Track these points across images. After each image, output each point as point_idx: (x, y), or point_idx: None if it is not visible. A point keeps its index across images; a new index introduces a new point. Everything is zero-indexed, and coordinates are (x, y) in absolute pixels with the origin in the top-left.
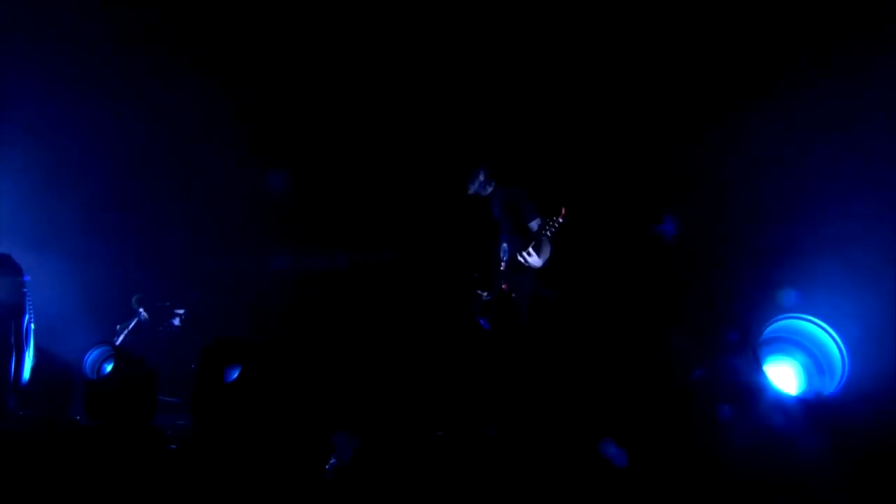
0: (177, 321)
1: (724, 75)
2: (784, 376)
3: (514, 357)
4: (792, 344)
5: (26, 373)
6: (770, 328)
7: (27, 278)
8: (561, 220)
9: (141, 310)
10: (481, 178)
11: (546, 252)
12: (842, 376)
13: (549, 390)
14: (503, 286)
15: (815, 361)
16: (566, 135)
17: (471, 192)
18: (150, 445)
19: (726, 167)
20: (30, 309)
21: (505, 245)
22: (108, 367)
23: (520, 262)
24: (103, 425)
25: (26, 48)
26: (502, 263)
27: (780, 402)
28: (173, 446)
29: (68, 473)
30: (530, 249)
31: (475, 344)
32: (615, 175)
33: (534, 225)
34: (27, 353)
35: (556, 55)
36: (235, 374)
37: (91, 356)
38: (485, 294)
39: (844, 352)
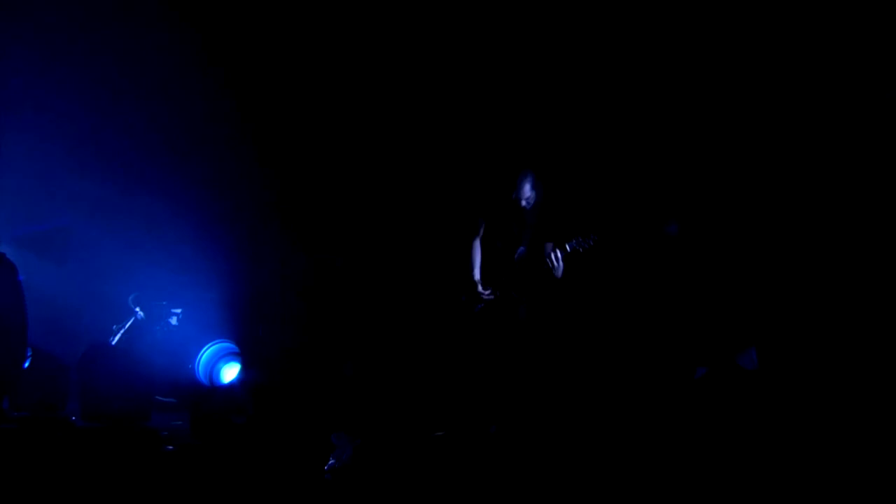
0: (174, 320)
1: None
2: None
3: (516, 356)
4: None
5: (20, 373)
6: None
7: (21, 278)
8: (594, 241)
9: (137, 309)
10: (531, 183)
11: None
12: None
13: (551, 389)
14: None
15: None
16: (569, 136)
17: (522, 198)
18: (146, 447)
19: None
20: (24, 309)
21: (522, 249)
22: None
23: (535, 269)
24: (100, 426)
25: (26, 45)
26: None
27: None
28: (170, 447)
29: (63, 475)
30: (559, 253)
31: (475, 343)
32: (620, 177)
33: (570, 244)
34: (21, 354)
35: (560, 58)
36: (235, 376)
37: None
38: (486, 292)
39: None
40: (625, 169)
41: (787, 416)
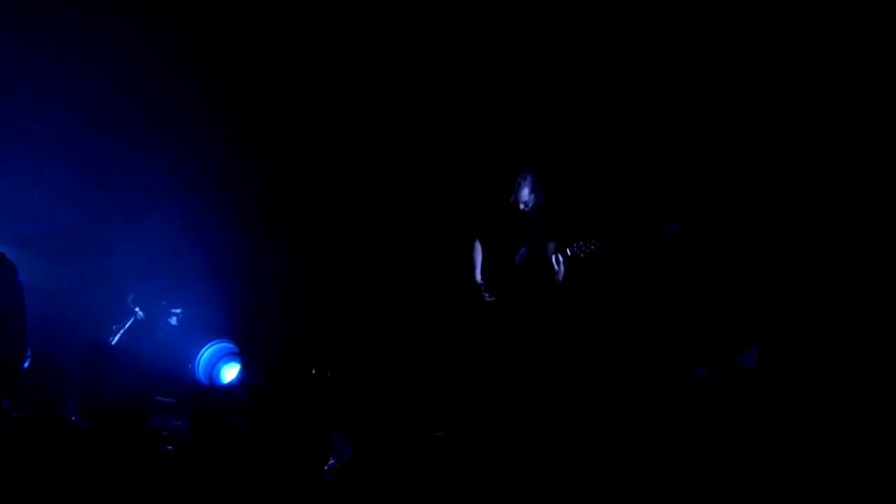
0: (173, 320)
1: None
2: None
3: (516, 356)
4: None
5: (20, 373)
6: None
7: (21, 278)
8: (595, 246)
9: (137, 309)
10: (531, 187)
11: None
12: None
13: (551, 389)
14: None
15: None
16: (570, 137)
17: (521, 201)
18: (146, 447)
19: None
20: (24, 308)
21: (523, 250)
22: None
23: (536, 271)
24: (99, 427)
25: (28, 46)
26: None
27: None
28: (170, 447)
29: (63, 475)
30: (560, 257)
31: (476, 343)
32: (620, 178)
33: (571, 249)
34: (21, 354)
35: (559, 59)
36: (235, 376)
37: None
38: (487, 294)
39: None
40: (624, 169)
41: (787, 416)
